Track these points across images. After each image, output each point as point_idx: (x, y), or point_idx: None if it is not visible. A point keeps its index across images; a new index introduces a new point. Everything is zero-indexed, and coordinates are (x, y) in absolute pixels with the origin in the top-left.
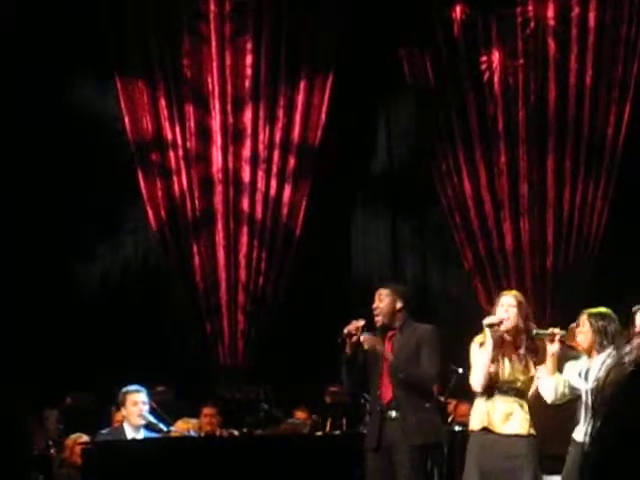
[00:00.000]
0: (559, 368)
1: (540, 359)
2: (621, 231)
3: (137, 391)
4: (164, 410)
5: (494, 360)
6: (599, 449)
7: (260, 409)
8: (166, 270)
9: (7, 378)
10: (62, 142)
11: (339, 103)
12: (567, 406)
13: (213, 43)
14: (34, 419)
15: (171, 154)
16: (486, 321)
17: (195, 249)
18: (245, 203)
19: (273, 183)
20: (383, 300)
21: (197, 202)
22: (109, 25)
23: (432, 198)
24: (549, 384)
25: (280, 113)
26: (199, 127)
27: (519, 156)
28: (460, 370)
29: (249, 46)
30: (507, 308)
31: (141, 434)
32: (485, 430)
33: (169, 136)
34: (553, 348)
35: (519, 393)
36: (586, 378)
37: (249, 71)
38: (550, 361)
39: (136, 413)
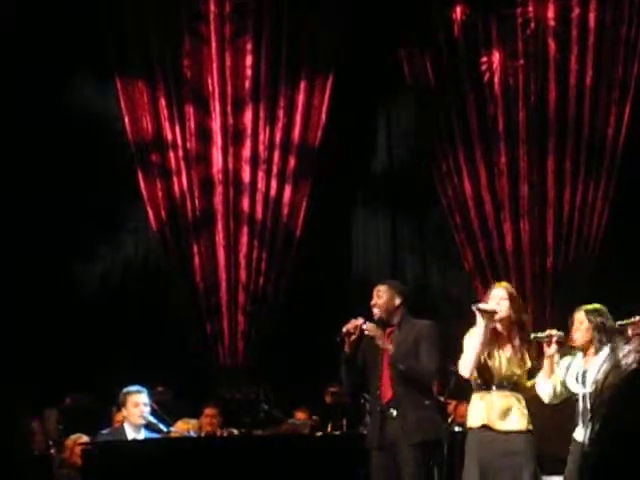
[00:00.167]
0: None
1: (541, 364)
2: (621, 231)
3: (138, 392)
4: (164, 410)
5: (490, 356)
6: (598, 451)
7: (260, 409)
8: (166, 270)
9: (7, 378)
10: (62, 142)
11: (339, 103)
12: (565, 405)
13: (213, 44)
14: (34, 419)
15: (171, 154)
16: (479, 305)
17: (195, 249)
18: (245, 203)
19: (273, 183)
20: (381, 297)
21: (197, 202)
22: (109, 25)
23: (432, 198)
24: (547, 385)
25: (280, 113)
26: (199, 127)
27: (519, 156)
28: None
29: (249, 47)
30: (499, 301)
31: (141, 434)
32: (484, 427)
33: (169, 136)
34: (550, 350)
35: (516, 387)
36: (583, 382)
37: (249, 72)
38: (547, 363)
39: (137, 414)
